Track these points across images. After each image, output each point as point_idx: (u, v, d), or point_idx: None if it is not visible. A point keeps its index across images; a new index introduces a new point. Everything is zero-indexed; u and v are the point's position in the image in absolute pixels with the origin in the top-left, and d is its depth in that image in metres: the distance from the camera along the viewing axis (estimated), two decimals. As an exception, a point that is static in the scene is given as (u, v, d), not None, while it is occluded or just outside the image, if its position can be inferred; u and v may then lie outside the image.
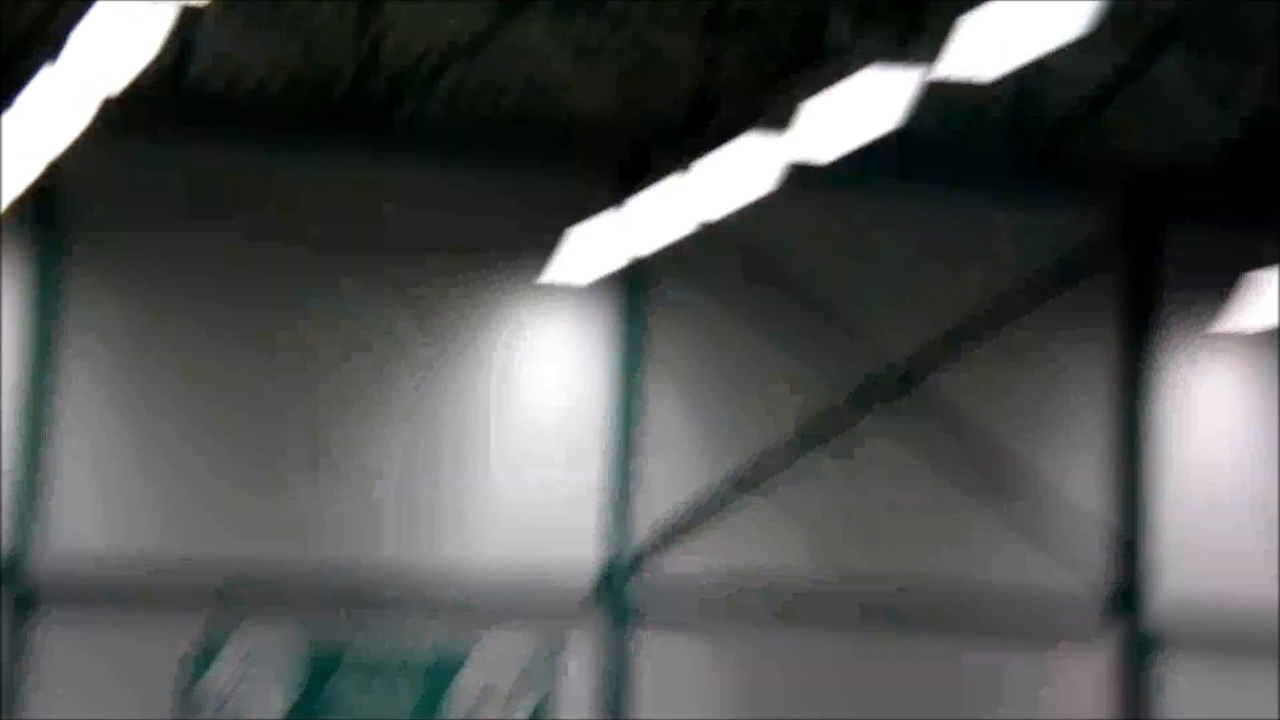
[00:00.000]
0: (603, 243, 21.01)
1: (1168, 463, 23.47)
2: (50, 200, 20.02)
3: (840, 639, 22.27)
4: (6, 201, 18.80)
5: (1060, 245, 23.01)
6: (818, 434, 22.17)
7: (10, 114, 16.10)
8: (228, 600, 20.49)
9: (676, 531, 21.96)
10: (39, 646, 19.97)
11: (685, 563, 22.04)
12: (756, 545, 22.21)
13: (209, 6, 17.05)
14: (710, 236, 21.17)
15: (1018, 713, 22.37)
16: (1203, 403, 23.58)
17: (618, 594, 21.70)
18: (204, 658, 20.47)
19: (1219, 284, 22.97)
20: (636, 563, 21.78)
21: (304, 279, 21.29)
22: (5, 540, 20.09)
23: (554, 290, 21.97)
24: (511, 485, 21.74)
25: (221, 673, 20.54)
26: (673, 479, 22.18)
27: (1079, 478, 23.13)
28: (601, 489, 21.95)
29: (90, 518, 20.50)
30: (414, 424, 21.57)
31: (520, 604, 21.45)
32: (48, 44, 15.36)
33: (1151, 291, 23.35)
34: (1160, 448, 23.44)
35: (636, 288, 22.19)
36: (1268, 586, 23.28)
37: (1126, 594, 22.97)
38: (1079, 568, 23.05)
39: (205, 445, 20.85)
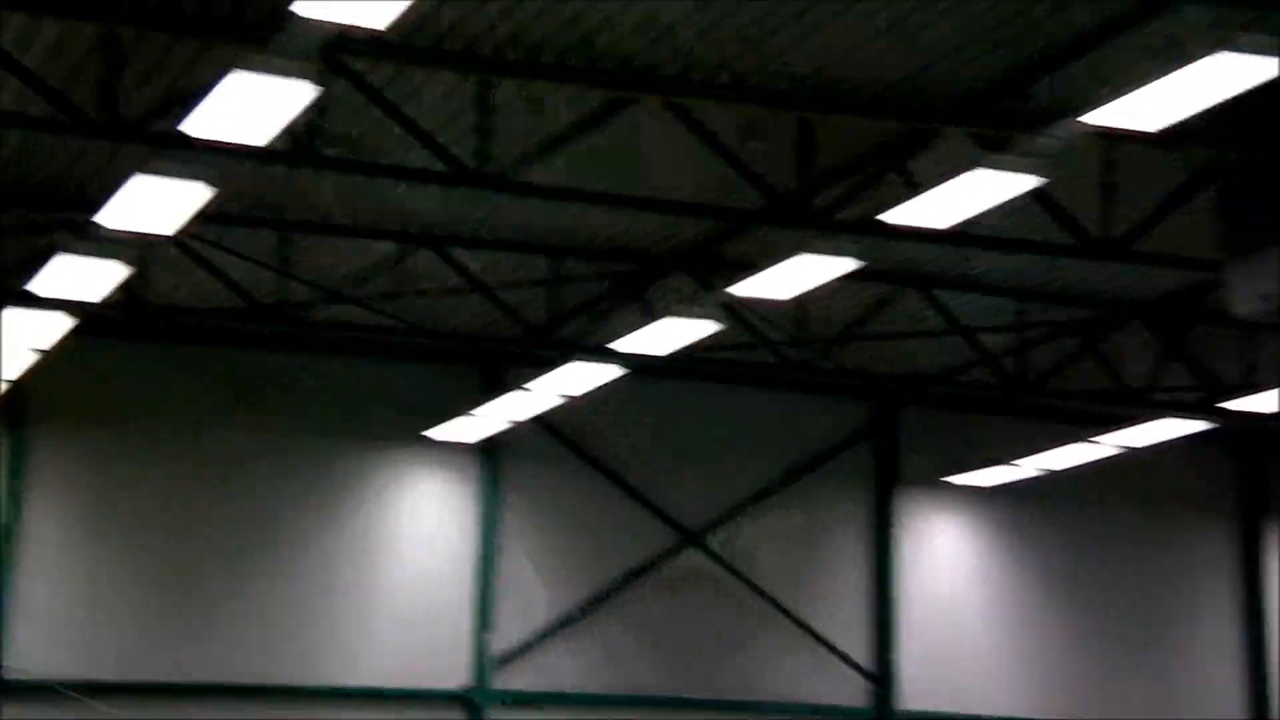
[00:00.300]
0: (470, 422, 22.39)
1: (911, 596, 25.39)
2: (19, 388, 20.88)
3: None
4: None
5: (826, 428, 25.27)
6: (637, 574, 24.21)
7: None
8: (158, 703, 21.79)
9: (530, 648, 23.54)
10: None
11: (538, 675, 23.72)
12: (594, 659, 23.95)
13: (160, 242, 16.87)
14: (555, 418, 22.92)
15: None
16: (939, 548, 25.67)
17: (481, 702, 23.24)
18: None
19: (948, 456, 25.27)
20: (496, 674, 23.19)
21: (226, 449, 22.67)
22: None
23: (431, 457, 23.41)
24: (393, 611, 23.14)
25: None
26: (525, 606, 23.76)
27: (839, 611, 25.10)
28: (468, 615, 23.41)
29: (47, 636, 21.83)
30: (315, 567, 22.90)
31: (398, 711, 22.78)
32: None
33: (896, 463, 25.59)
34: (904, 585, 25.43)
35: (496, 457, 23.72)
36: (995, 698, 25.37)
37: (879, 707, 24.89)
38: (839, 684, 24.85)
39: (142, 580, 22.22)
